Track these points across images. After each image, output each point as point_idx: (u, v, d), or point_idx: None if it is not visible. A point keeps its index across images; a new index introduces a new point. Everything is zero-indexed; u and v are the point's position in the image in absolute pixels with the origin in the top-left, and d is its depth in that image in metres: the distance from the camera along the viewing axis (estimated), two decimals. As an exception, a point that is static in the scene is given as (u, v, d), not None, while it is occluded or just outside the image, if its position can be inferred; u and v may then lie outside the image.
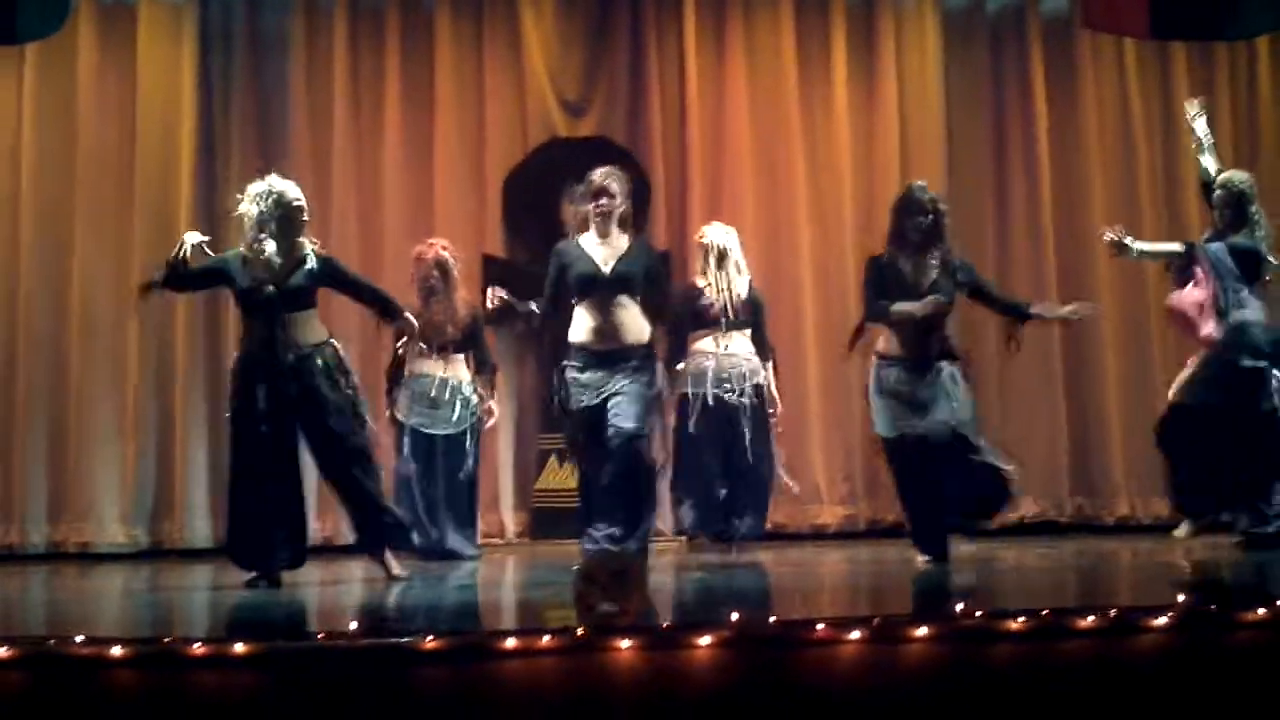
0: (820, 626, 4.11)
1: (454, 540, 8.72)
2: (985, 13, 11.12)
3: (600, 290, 7.27)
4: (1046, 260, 10.71)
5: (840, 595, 6.36)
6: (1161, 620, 4.22)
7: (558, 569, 7.16)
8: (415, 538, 8.59)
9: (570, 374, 7.29)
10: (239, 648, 3.94)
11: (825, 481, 10.28)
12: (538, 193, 10.11)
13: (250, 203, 7.04)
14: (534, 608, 6.15)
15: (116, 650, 3.91)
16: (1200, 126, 8.50)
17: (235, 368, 7.11)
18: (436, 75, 10.51)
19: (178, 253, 6.97)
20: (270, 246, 6.92)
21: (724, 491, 8.97)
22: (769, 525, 9.52)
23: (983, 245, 10.77)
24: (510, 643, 3.98)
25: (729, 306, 9.03)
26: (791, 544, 9.68)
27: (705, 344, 9.06)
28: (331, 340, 7.11)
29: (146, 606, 6.53)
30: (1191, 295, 8.15)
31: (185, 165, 10.12)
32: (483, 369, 8.97)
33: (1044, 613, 4.28)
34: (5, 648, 3.91)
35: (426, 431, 8.78)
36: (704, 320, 9.05)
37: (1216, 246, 8.09)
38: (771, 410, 9.07)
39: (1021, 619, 4.19)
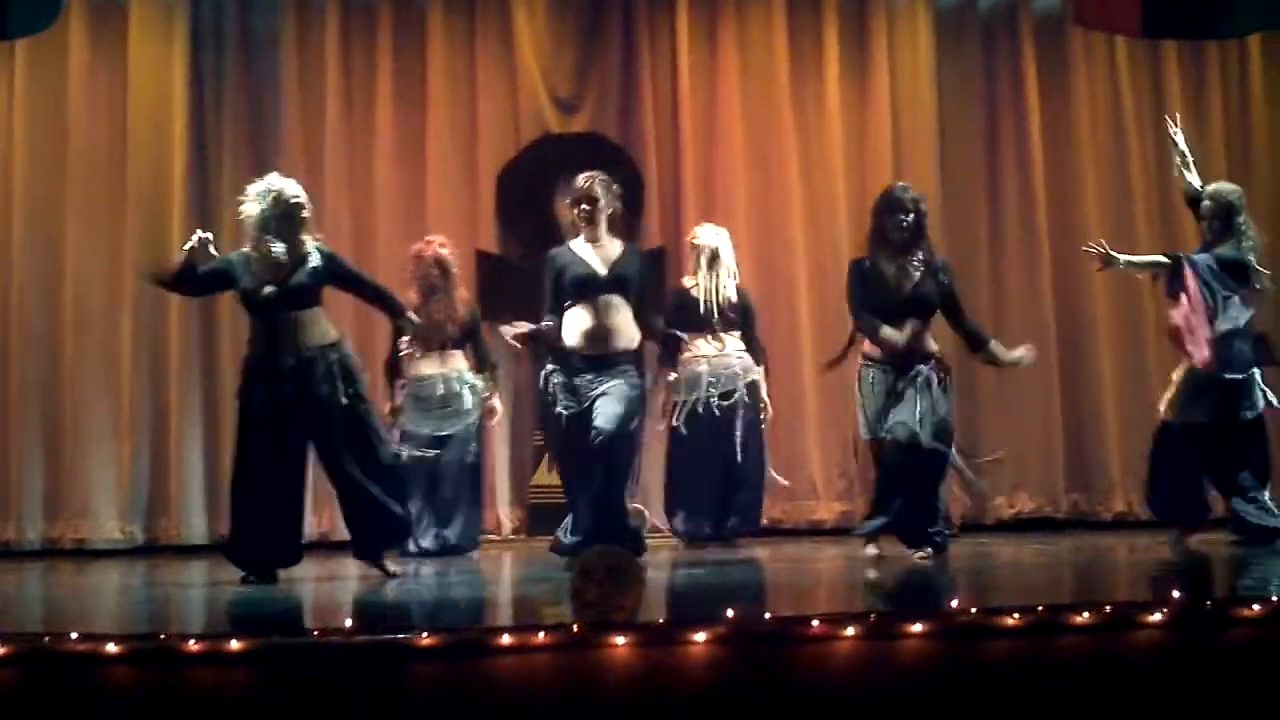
0: (816, 623, 4.11)
1: (460, 533, 8.77)
2: (977, 10, 11.10)
3: (596, 292, 7.31)
4: (1040, 257, 10.70)
5: (836, 591, 6.36)
6: (1157, 616, 4.22)
7: (553, 565, 7.16)
8: (419, 538, 8.65)
9: (557, 379, 7.33)
10: (234, 644, 3.94)
11: (821, 478, 10.27)
12: (530, 189, 10.09)
13: (251, 203, 7.03)
14: (529, 604, 6.15)
15: (112, 647, 3.91)
16: (1182, 142, 8.50)
17: (241, 367, 7.12)
18: (429, 72, 10.49)
19: (189, 257, 6.97)
20: (279, 247, 6.91)
21: (712, 493, 8.99)
22: (765, 521, 9.55)
23: (975, 242, 10.78)
24: (506, 639, 3.98)
25: (718, 308, 9.05)
26: (788, 540, 9.68)
27: (698, 347, 9.07)
28: (340, 340, 7.09)
29: (142, 603, 6.53)
30: (1184, 312, 8.16)
31: (177, 163, 10.09)
32: (482, 366, 8.99)
33: (1040, 609, 4.28)
34: (1, 645, 3.91)
35: (441, 434, 8.82)
36: (695, 322, 9.06)
37: (1204, 258, 8.11)
38: (764, 412, 9.09)
39: (1017, 615, 4.20)
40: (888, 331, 7.37)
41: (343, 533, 9.81)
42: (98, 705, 3.87)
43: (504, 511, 10.16)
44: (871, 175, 10.44)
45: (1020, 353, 7.76)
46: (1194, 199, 8.39)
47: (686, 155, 10.57)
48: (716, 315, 9.05)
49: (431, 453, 8.76)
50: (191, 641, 3.95)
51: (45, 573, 8.58)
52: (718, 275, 9.14)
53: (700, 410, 9.01)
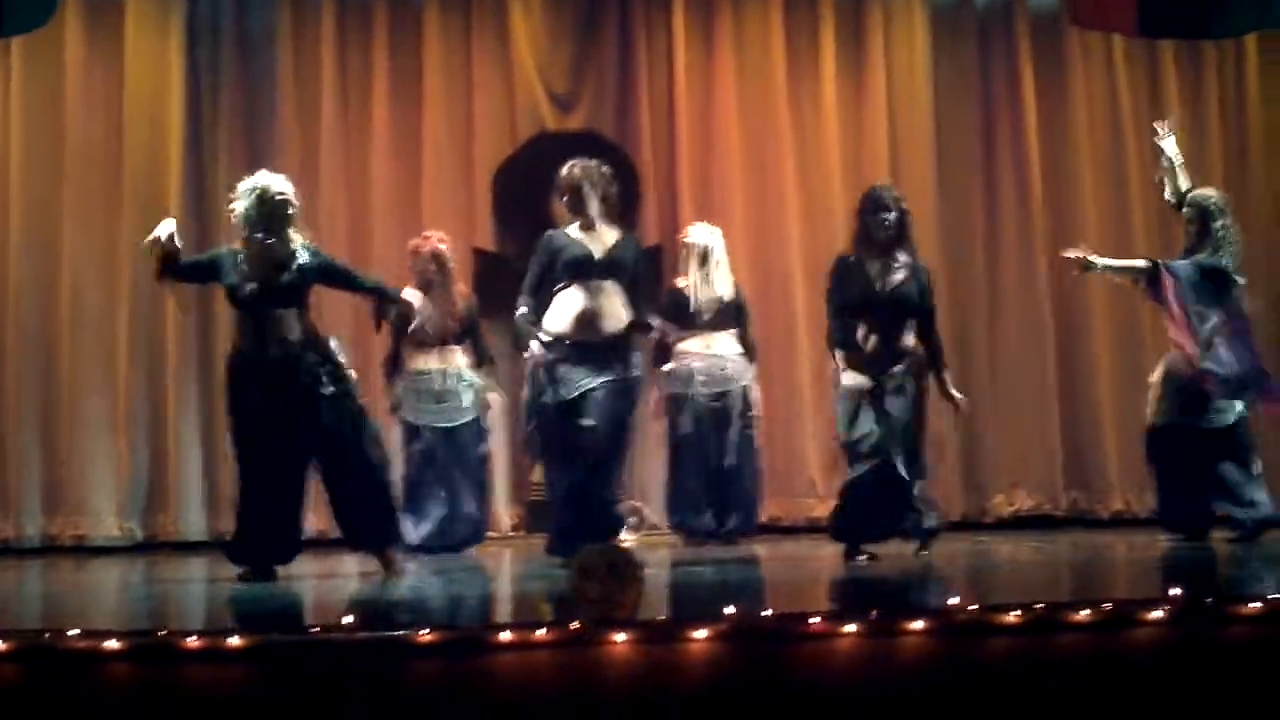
0: (815, 620, 4.11)
1: (466, 527, 8.79)
2: (974, 8, 11.13)
3: (591, 275, 7.27)
4: (1036, 255, 10.73)
5: (835, 589, 6.36)
6: (1156, 614, 4.22)
7: (551, 562, 7.16)
8: (423, 531, 8.67)
9: (544, 362, 7.26)
10: (234, 641, 3.93)
11: (820, 475, 10.27)
12: (527, 187, 10.09)
13: (239, 200, 7.02)
14: (529, 601, 6.15)
15: (111, 643, 3.90)
16: (1169, 147, 8.53)
17: (226, 365, 7.11)
18: (425, 69, 10.50)
19: (162, 248, 6.93)
20: (268, 243, 6.90)
21: (709, 491, 9.00)
22: (764, 519, 9.56)
23: (972, 241, 10.81)
24: (505, 636, 3.97)
25: (711, 307, 9.05)
26: (786, 537, 9.70)
27: (690, 345, 9.09)
28: (324, 337, 7.07)
29: (141, 599, 6.53)
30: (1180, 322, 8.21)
31: (173, 159, 10.11)
32: (481, 361, 9.02)
33: (1039, 606, 4.28)
34: (0, 641, 3.90)
35: (439, 426, 8.84)
36: (688, 321, 9.06)
37: (1184, 265, 8.14)
38: (754, 412, 9.10)
39: (1016, 613, 4.19)
40: (849, 379, 7.35)
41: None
42: (97, 702, 3.86)
43: (502, 509, 10.16)
44: (868, 174, 10.44)
45: (959, 396, 7.66)
46: (1179, 205, 8.43)
47: (683, 153, 10.58)
48: (709, 314, 9.05)
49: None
50: (191, 638, 3.94)
51: (44, 569, 8.58)
52: (710, 274, 9.14)
53: (693, 407, 9.02)
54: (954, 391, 7.57)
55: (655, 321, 7.43)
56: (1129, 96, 10.99)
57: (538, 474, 7.88)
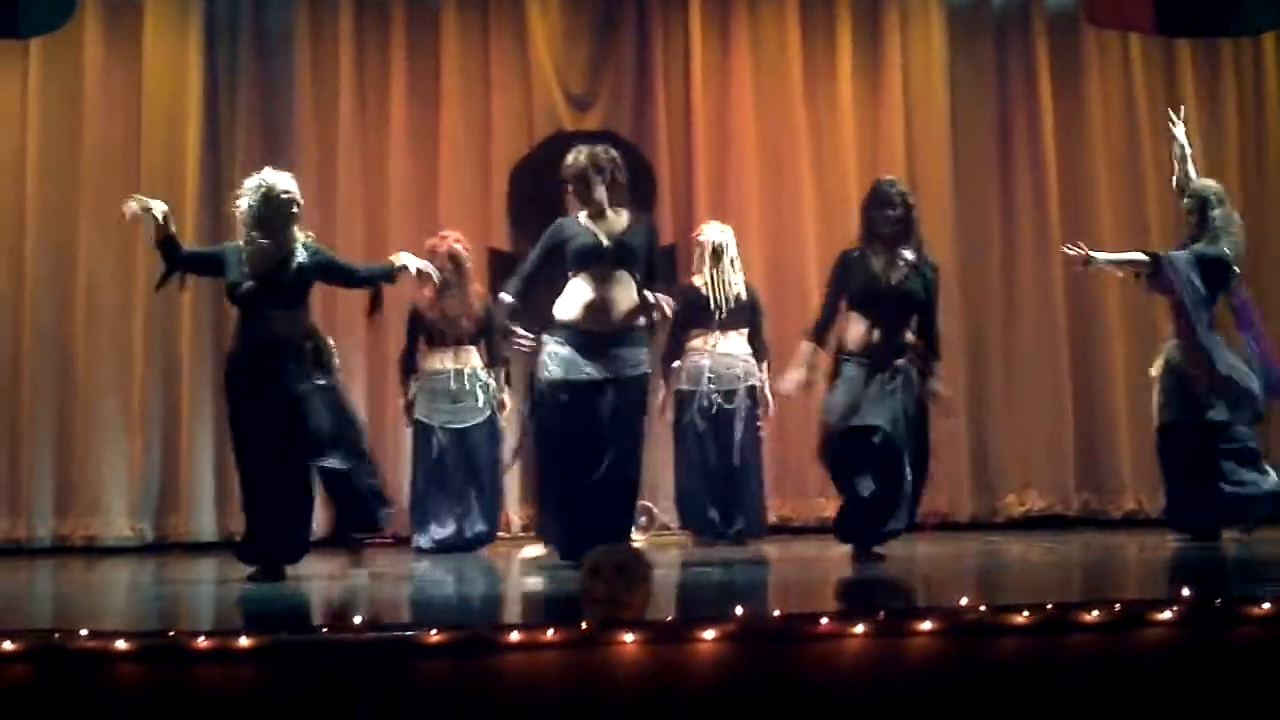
0: (824, 621, 4.10)
1: (479, 527, 8.80)
2: (990, 7, 11.13)
3: (601, 263, 7.20)
4: (1052, 254, 10.68)
5: (844, 589, 6.35)
6: (1167, 615, 4.21)
7: (562, 562, 7.16)
8: (435, 532, 8.69)
9: (552, 347, 7.19)
10: (243, 641, 3.94)
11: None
12: (543, 187, 10.08)
13: (244, 197, 7.03)
14: (538, 601, 6.15)
15: (121, 644, 3.90)
16: (1180, 135, 8.57)
17: (225, 364, 7.13)
18: (442, 69, 10.52)
19: (158, 231, 6.95)
20: (266, 241, 6.90)
21: (716, 491, 9.00)
22: (775, 519, 9.56)
23: (988, 240, 10.81)
24: (514, 636, 3.97)
25: (724, 305, 9.04)
26: (796, 537, 9.69)
27: (700, 343, 9.07)
28: (323, 337, 7.06)
29: (151, 600, 6.53)
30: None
31: (191, 160, 10.14)
32: (495, 362, 9.02)
33: (1049, 607, 4.27)
34: (11, 641, 3.91)
35: (454, 427, 8.85)
36: (700, 319, 9.06)
37: (1183, 255, 8.15)
38: (763, 411, 9.09)
39: (1027, 613, 4.19)
40: (835, 398, 7.38)
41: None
42: (107, 702, 3.87)
43: (513, 510, 10.17)
44: (884, 172, 10.39)
45: (943, 392, 7.60)
46: (1182, 193, 8.51)
47: (699, 152, 10.59)
48: (722, 312, 9.04)
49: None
50: (200, 638, 3.95)
51: (55, 570, 8.60)
52: (723, 272, 9.14)
53: (702, 405, 9.02)
54: (938, 387, 7.48)
55: (666, 301, 7.30)
56: (1145, 96, 10.97)
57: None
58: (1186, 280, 8.06)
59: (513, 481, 10.15)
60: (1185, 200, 8.41)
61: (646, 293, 7.24)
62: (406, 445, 9.47)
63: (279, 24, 10.51)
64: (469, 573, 7.36)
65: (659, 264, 7.56)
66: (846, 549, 7.37)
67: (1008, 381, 10.64)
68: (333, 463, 6.86)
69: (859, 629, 4.06)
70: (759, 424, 9.11)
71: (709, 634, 4.00)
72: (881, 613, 4.16)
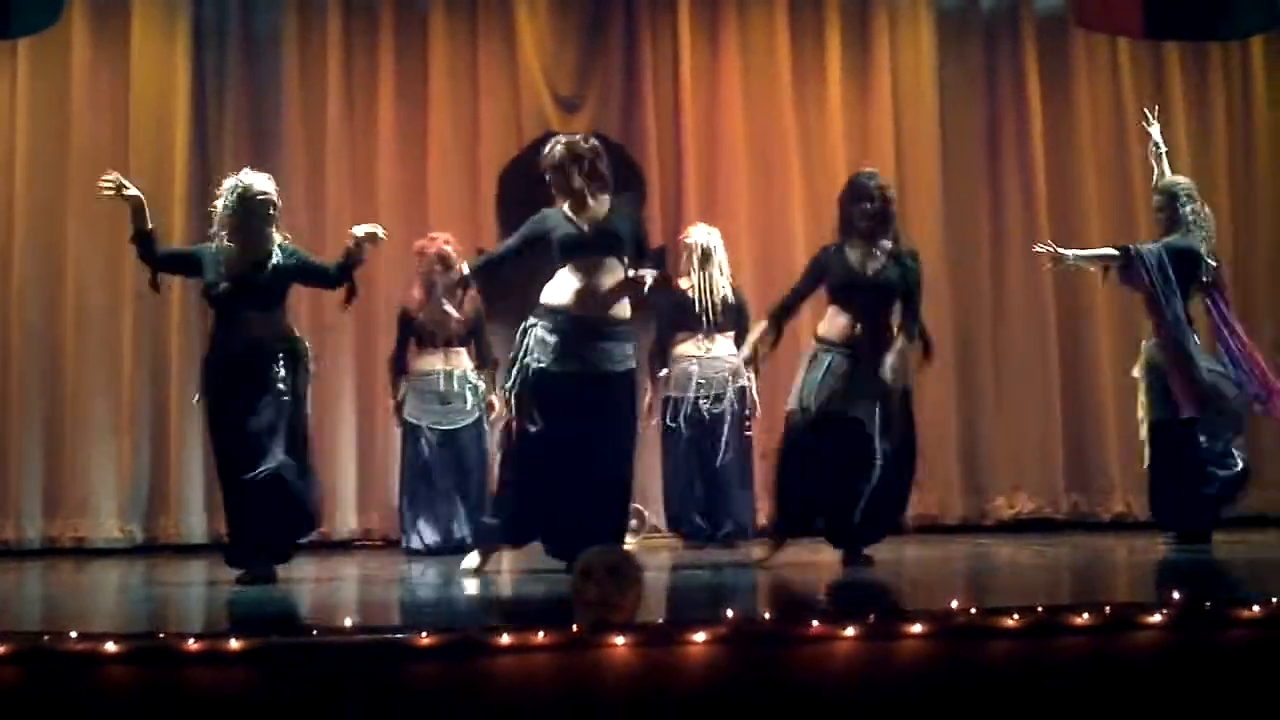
0: (815, 623, 4.11)
1: (467, 529, 8.78)
2: (979, 10, 11.14)
3: (585, 252, 7.10)
4: (1041, 257, 10.69)
5: (835, 592, 6.35)
6: (1156, 617, 4.22)
7: (553, 564, 7.15)
8: (423, 533, 8.68)
9: (540, 334, 7.09)
10: (233, 643, 3.93)
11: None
12: (532, 188, 10.07)
13: (221, 197, 7.00)
14: (529, 603, 6.15)
15: (110, 646, 3.90)
16: (1156, 134, 8.70)
17: (200, 365, 7.11)
18: (430, 72, 10.51)
19: (134, 223, 6.95)
20: (240, 242, 6.87)
21: (704, 493, 9.00)
22: (764, 521, 9.54)
23: (977, 242, 10.82)
24: (505, 639, 3.97)
25: (711, 308, 9.04)
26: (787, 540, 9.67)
27: (688, 347, 9.10)
28: (300, 339, 7.04)
29: (141, 602, 6.52)
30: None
31: (179, 162, 10.12)
32: (484, 363, 9.02)
33: (1039, 609, 4.28)
34: (-1, 643, 3.91)
35: (442, 428, 8.84)
36: (687, 322, 9.05)
37: (1153, 248, 8.21)
38: (750, 414, 9.08)
39: (1016, 616, 4.19)
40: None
41: (341, 533, 9.93)
42: (96, 704, 3.86)
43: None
44: (873, 175, 10.46)
45: (887, 375, 7.54)
46: (1156, 189, 8.63)
47: (688, 155, 10.59)
48: (709, 316, 9.04)
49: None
50: (190, 641, 3.94)
51: (44, 571, 8.57)
52: (710, 275, 9.14)
53: (689, 410, 9.03)
54: (889, 366, 7.26)
55: (648, 273, 7.08)
56: (1134, 99, 10.97)
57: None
58: (1157, 272, 8.13)
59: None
60: (1156, 197, 8.54)
61: (629, 272, 7.13)
62: (394, 448, 9.48)
63: (267, 27, 10.50)
64: (458, 575, 7.34)
65: (646, 244, 7.49)
66: (835, 552, 7.35)
67: (997, 384, 10.66)
68: (265, 471, 6.76)
69: (849, 632, 4.06)
70: (747, 426, 9.10)
71: (700, 636, 4.00)
72: (871, 615, 4.16)
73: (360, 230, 6.95)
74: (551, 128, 10.41)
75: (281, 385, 6.83)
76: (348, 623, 4.32)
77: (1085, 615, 4.21)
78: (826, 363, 7.29)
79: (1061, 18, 10.92)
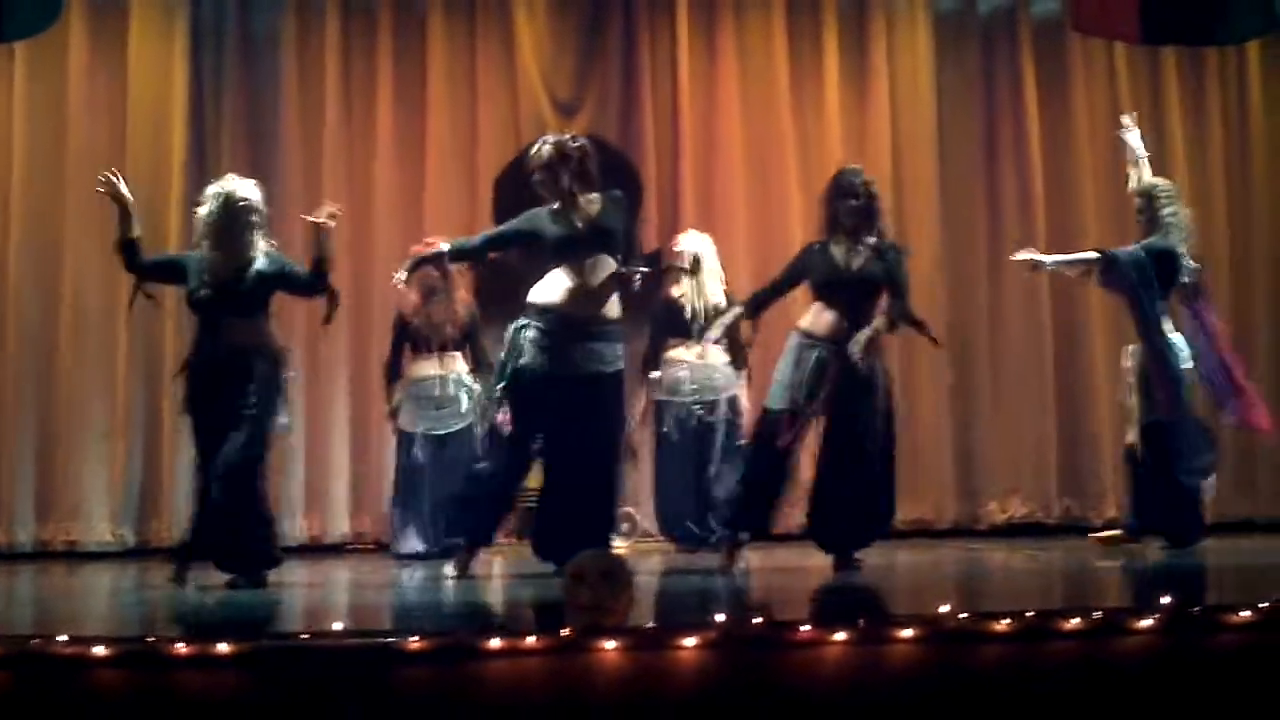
0: (805, 628, 4.11)
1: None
2: (976, 14, 11.14)
3: (578, 252, 7.08)
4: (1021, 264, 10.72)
5: (826, 596, 6.36)
6: (1147, 622, 4.22)
7: (543, 568, 7.15)
8: (417, 538, 8.68)
9: (531, 334, 7.07)
10: (224, 647, 3.93)
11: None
12: (530, 193, 10.08)
13: (205, 203, 6.98)
14: (520, 607, 6.15)
15: (100, 649, 3.90)
16: (1133, 139, 8.72)
17: (182, 375, 7.06)
18: (428, 75, 10.51)
19: (122, 222, 6.90)
20: (222, 249, 6.85)
21: (695, 498, 9.00)
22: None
23: (973, 246, 10.82)
24: (495, 643, 3.97)
25: (703, 315, 9.03)
26: (778, 545, 9.67)
27: (680, 353, 9.07)
28: (281, 348, 7.02)
29: (132, 605, 6.52)
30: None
31: (176, 164, 10.11)
32: (480, 368, 9.00)
33: (1030, 614, 4.28)
34: (-10, 647, 3.91)
35: (435, 434, 8.83)
36: (679, 329, 9.05)
37: (1132, 250, 8.25)
38: (742, 421, 9.08)
39: (1008, 620, 4.19)
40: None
41: (333, 536, 9.93)
42: (87, 708, 3.86)
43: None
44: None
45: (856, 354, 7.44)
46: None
47: (686, 159, 10.59)
48: (701, 322, 9.03)
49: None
50: (181, 644, 3.94)
51: (36, 575, 8.57)
52: (701, 282, 9.14)
53: (680, 416, 9.03)
54: (858, 345, 7.24)
55: (636, 270, 7.10)
56: (1131, 104, 10.92)
57: (530, 480, 7.80)
58: (1137, 274, 8.16)
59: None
60: (1137, 200, 8.58)
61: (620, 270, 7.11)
62: (387, 452, 9.49)
63: (265, 29, 10.49)
64: (444, 579, 7.34)
65: (638, 243, 7.47)
66: (825, 557, 7.35)
67: (993, 388, 10.65)
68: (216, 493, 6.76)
69: (840, 636, 4.07)
70: (739, 434, 9.10)
71: (690, 641, 4.01)
72: (862, 620, 4.16)
73: (316, 216, 6.89)
74: (549, 131, 10.42)
75: (253, 397, 6.78)
76: (338, 626, 4.32)
77: (1076, 620, 4.21)
78: (808, 360, 7.26)
79: (1058, 22, 10.92)
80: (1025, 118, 10.97)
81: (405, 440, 8.98)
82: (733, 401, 9.09)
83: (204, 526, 6.87)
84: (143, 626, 5.22)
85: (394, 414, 9.06)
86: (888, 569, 7.31)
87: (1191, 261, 8.43)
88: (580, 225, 7.13)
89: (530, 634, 4.00)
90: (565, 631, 4.03)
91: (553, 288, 7.09)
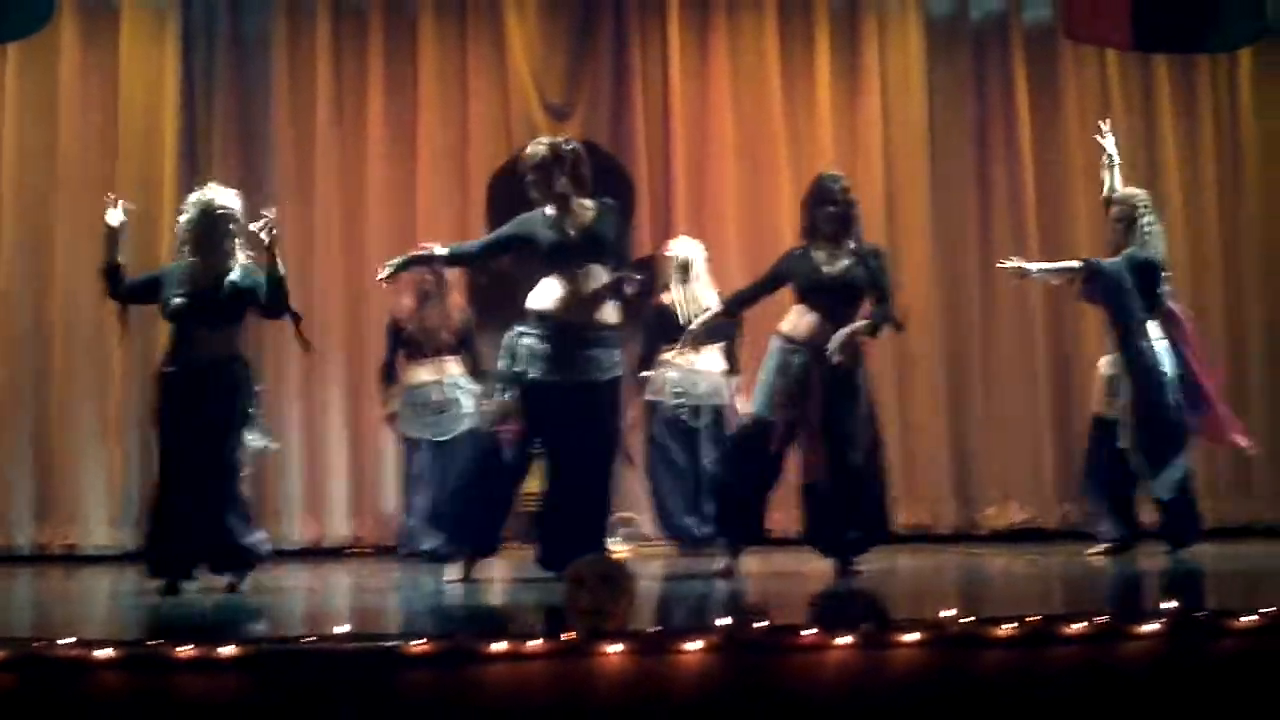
0: (808, 632, 4.11)
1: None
2: (968, 19, 11.14)
3: (571, 260, 7.03)
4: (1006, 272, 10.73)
5: (828, 601, 6.35)
6: (1149, 627, 4.22)
7: (542, 573, 7.13)
8: (421, 541, 8.67)
9: (528, 342, 7.03)
10: (225, 650, 3.93)
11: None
12: (521, 195, 10.07)
13: (185, 211, 6.94)
14: (522, 611, 6.14)
15: (102, 653, 3.89)
16: (1108, 145, 8.71)
17: (153, 379, 7.01)
18: (420, 76, 10.49)
19: (109, 248, 6.88)
20: (196, 259, 6.81)
21: (690, 501, 9.00)
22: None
23: (965, 250, 10.82)
24: (498, 646, 3.97)
25: (693, 320, 9.02)
26: (779, 549, 9.67)
27: (671, 358, 9.06)
28: (240, 359, 6.93)
29: (132, 609, 6.50)
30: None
31: (167, 166, 10.08)
32: (476, 373, 8.99)
33: (1032, 619, 4.28)
34: (-8, 650, 3.91)
35: (439, 440, 8.82)
36: (672, 334, 9.04)
37: (1115, 261, 8.28)
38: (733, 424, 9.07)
39: (1010, 625, 4.20)
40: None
41: (332, 540, 9.92)
42: (88, 711, 3.86)
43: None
44: (862, 183, 10.41)
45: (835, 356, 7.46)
46: (1110, 201, 8.62)
47: (678, 161, 10.59)
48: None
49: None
50: (182, 647, 3.93)
51: (35, 578, 8.55)
52: (691, 287, 9.13)
53: (666, 417, 9.04)
54: (837, 344, 7.17)
55: (629, 276, 7.05)
56: (1122, 109, 10.99)
57: (530, 484, 7.78)
58: (1120, 284, 8.19)
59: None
60: (1114, 208, 8.53)
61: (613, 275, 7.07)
62: (385, 455, 9.49)
63: (256, 30, 10.48)
64: (446, 584, 7.32)
65: (630, 249, 7.45)
66: (827, 561, 7.34)
67: (987, 393, 10.65)
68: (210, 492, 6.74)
69: (842, 641, 4.07)
70: (728, 437, 9.08)
71: (693, 645, 4.01)
72: (864, 624, 4.16)
73: (258, 224, 6.76)
74: (541, 134, 10.38)
75: (225, 410, 6.76)
76: (340, 630, 4.31)
77: (1078, 625, 4.22)
78: (790, 365, 7.27)
79: (1050, 29, 10.93)
80: (1017, 122, 10.98)
81: (408, 447, 8.96)
82: (722, 406, 9.08)
83: (174, 536, 6.79)
84: (143, 630, 5.20)
85: (391, 418, 9.04)
86: (889, 573, 7.31)
87: (1167, 273, 8.47)
88: (573, 232, 7.08)
89: (532, 637, 3.99)
90: (567, 635, 4.03)
91: (548, 295, 7.05)
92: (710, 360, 9.09)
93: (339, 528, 10.06)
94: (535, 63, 10.59)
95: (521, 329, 7.09)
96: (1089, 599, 6.36)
